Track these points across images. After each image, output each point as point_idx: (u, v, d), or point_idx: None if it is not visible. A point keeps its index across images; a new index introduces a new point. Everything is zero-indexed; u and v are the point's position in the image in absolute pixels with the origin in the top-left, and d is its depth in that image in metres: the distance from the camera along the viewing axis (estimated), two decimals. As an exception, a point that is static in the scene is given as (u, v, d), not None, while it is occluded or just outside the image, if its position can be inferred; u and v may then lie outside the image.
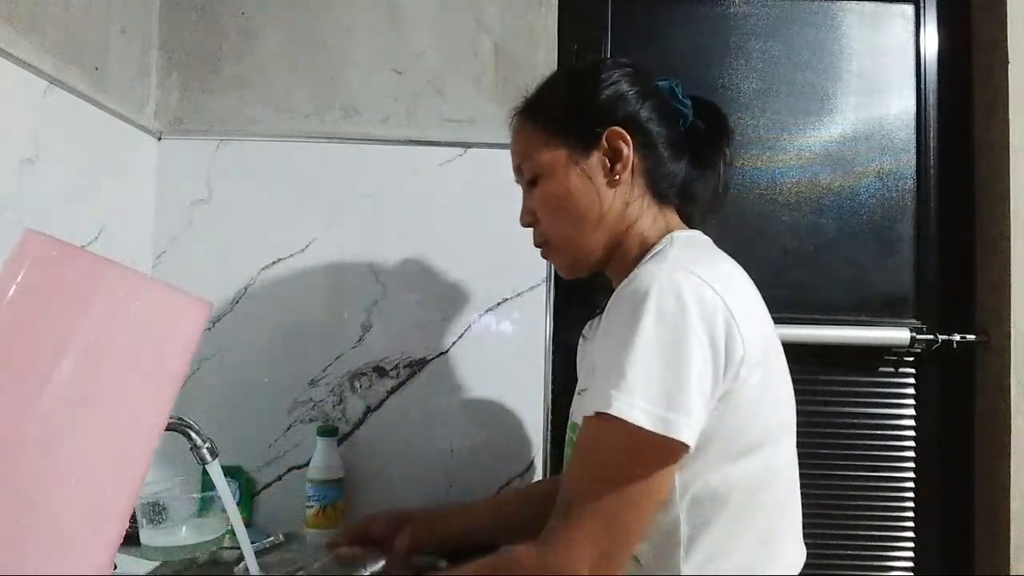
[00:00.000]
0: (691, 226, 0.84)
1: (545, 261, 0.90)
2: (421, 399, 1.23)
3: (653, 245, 0.78)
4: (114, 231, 1.11)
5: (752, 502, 0.69)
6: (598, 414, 0.64)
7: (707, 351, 0.64)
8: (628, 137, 0.78)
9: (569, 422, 0.89)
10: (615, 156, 0.79)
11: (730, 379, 0.65)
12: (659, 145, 0.80)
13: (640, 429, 0.61)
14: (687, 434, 0.62)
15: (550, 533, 0.65)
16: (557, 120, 0.81)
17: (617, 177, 0.79)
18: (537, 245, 0.87)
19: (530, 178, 0.83)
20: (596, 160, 0.79)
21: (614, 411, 0.62)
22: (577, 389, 0.90)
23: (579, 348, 1.01)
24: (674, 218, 0.83)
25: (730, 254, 0.79)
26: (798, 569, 0.74)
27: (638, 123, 0.79)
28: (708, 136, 0.84)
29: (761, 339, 0.69)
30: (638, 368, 0.62)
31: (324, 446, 1.14)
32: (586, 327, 0.99)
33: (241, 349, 1.22)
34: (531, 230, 0.87)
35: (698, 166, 0.84)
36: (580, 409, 0.75)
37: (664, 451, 0.64)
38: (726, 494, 0.68)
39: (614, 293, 0.71)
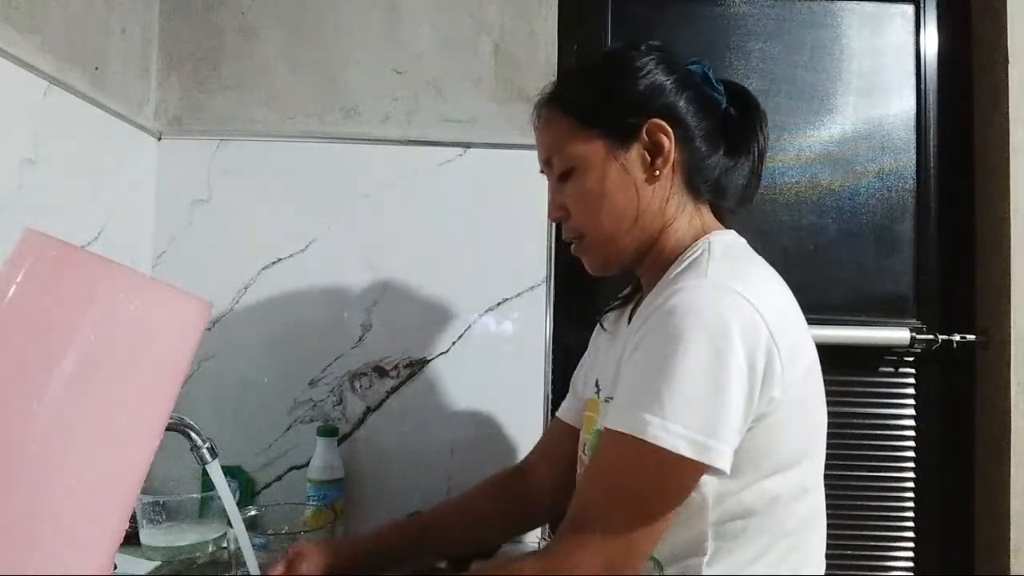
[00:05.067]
0: (725, 223, 0.81)
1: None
2: (421, 399, 1.23)
3: (688, 246, 0.76)
4: (114, 231, 1.10)
5: (781, 518, 0.68)
6: (625, 435, 0.63)
7: (745, 375, 0.62)
8: (669, 130, 0.74)
9: (588, 426, 0.84)
10: (656, 150, 0.74)
11: (766, 401, 0.64)
12: (696, 138, 0.77)
13: (677, 456, 0.60)
14: (725, 461, 0.62)
15: (560, 546, 0.65)
16: (592, 110, 0.76)
17: (657, 173, 0.74)
18: (568, 240, 0.83)
19: (562, 171, 0.78)
20: (636, 154, 0.75)
21: (649, 437, 0.61)
22: (598, 387, 0.84)
23: (594, 339, 0.95)
24: (709, 216, 0.80)
25: None
26: None
27: (676, 115, 0.75)
28: (741, 124, 0.80)
29: (800, 356, 0.68)
30: (677, 393, 0.61)
31: (324, 446, 1.14)
32: (604, 318, 0.93)
33: (241, 349, 1.22)
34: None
35: (732, 156, 0.80)
36: (604, 419, 0.71)
37: (696, 476, 0.64)
38: (758, 511, 0.67)
39: (652, 304, 0.68)
